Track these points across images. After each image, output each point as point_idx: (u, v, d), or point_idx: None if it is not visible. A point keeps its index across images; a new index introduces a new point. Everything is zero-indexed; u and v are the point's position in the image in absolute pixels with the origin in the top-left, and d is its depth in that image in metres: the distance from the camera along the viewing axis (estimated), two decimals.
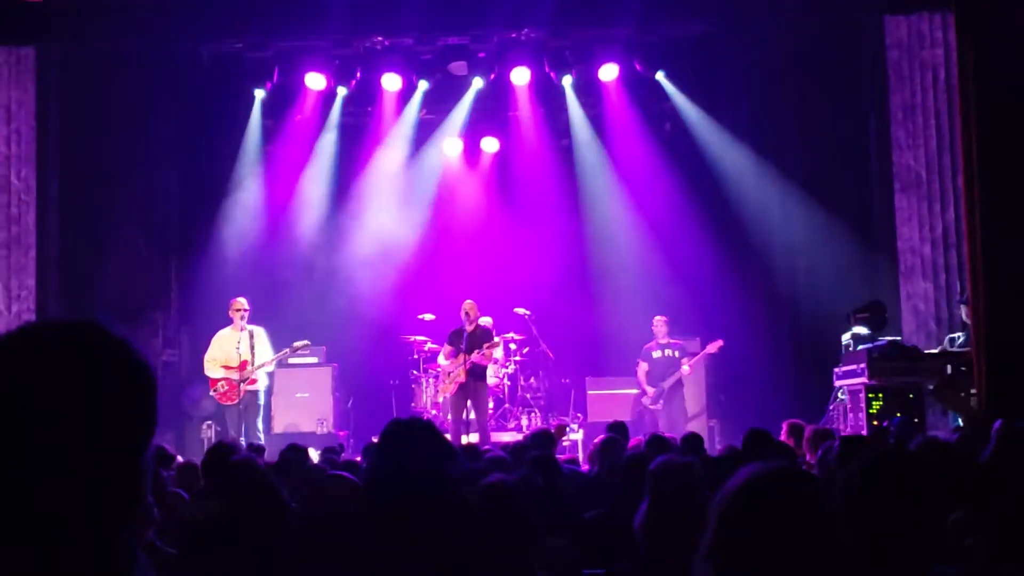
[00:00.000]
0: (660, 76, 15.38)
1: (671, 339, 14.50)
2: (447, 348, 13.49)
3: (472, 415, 13.08)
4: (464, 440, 12.39)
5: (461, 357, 12.99)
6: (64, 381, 1.54)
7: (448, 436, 9.95)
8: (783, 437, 9.12)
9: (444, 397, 13.82)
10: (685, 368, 14.31)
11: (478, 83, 15.62)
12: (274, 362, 13.02)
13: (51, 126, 14.14)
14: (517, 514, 3.67)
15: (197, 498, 6.16)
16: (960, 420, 11.13)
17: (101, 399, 1.55)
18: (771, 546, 2.11)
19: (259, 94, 15.56)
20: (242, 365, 12.62)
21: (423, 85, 15.69)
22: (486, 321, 14.00)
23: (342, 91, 15.80)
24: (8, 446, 1.51)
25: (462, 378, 12.97)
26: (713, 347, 14.23)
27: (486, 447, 10.03)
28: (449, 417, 13.40)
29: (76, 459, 1.52)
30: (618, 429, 8.90)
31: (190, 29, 14.10)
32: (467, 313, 13.16)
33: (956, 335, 12.27)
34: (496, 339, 13.49)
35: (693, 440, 8.40)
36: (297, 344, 13.15)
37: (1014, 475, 3.89)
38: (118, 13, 13.09)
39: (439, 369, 13.67)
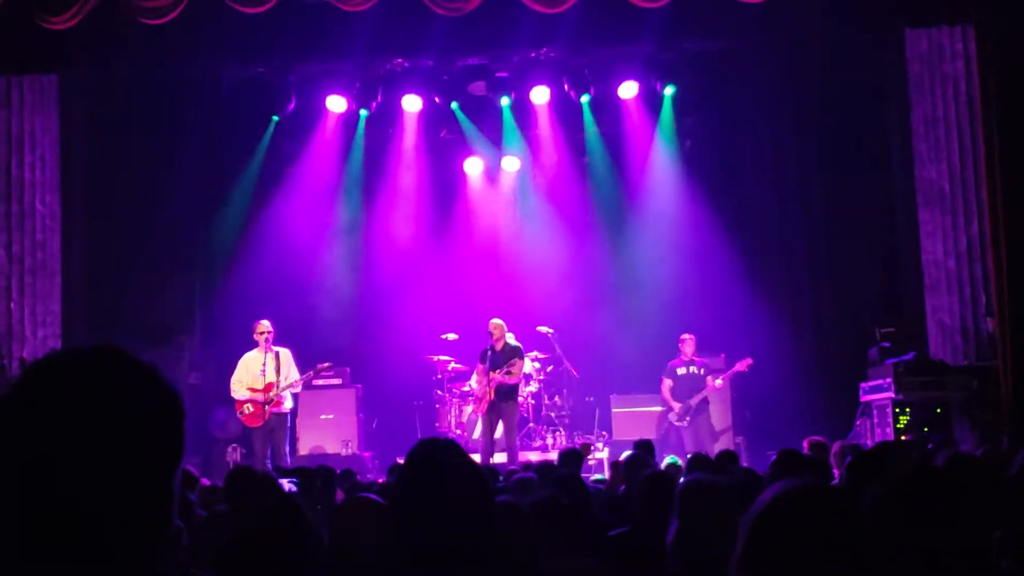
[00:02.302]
0: (668, 92, 15.40)
1: (696, 356, 14.43)
2: (479, 367, 13.52)
3: (499, 434, 13.09)
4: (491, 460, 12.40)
5: (493, 373, 13.02)
6: (92, 409, 1.54)
7: (475, 456, 9.95)
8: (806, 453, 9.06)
9: (470, 416, 13.79)
10: (717, 383, 14.24)
11: (505, 102, 15.71)
12: (299, 384, 13.04)
13: (75, 152, 14.23)
14: (528, 535, 3.67)
15: (217, 520, 6.18)
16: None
17: (130, 427, 1.56)
18: (800, 563, 2.11)
19: (275, 119, 15.65)
20: (267, 387, 12.64)
21: (454, 106, 15.78)
22: (511, 338, 14.07)
23: (363, 113, 15.92)
24: (36, 475, 1.52)
25: (491, 396, 12.98)
26: (743, 365, 14.12)
27: (512, 467, 10.02)
28: (475, 437, 13.39)
29: (105, 486, 1.53)
30: (644, 447, 8.89)
31: (213, 54, 14.22)
32: (491, 332, 13.19)
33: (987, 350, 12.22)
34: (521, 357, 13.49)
35: (727, 458, 8.38)
36: (320, 366, 13.21)
37: None
38: (141, 40, 13.17)
39: (470, 388, 13.67)
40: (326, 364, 13.30)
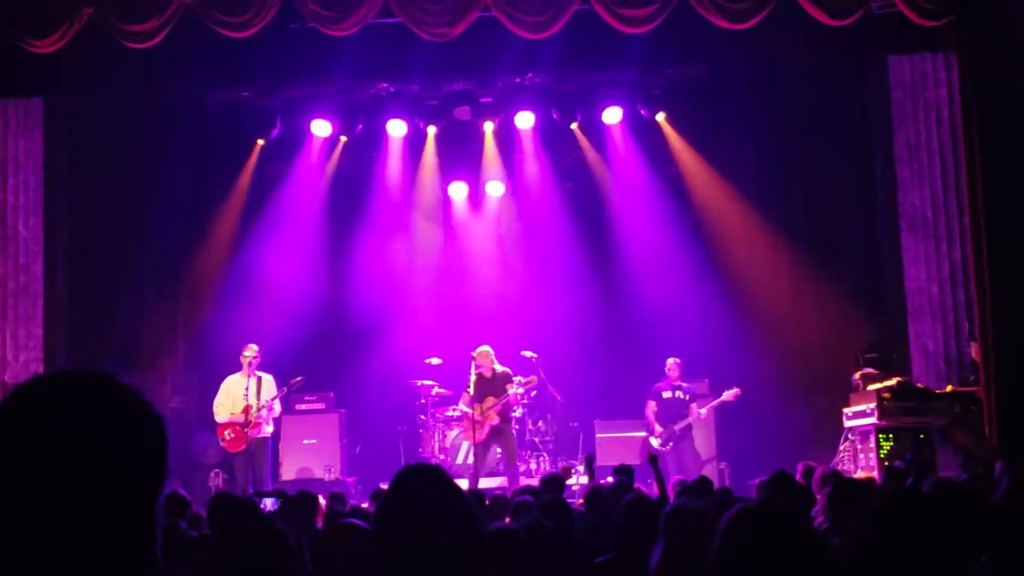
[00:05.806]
0: (660, 118, 15.48)
1: (681, 381, 14.41)
2: (466, 396, 13.50)
3: (497, 456, 13.17)
4: (490, 484, 12.44)
5: (490, 400, 13.02)
6: (76, 433, 1.53)
7: (460, 481, 9.86)
8: (799, 479, 9.06)
9: (453, 441, 13.76)
10: (702, 412, 14.21)
11: (490, 127, 15.76)
12: (275, 401, 12.96)
13: (59, 176, 14.19)
14: (523, 561, 3.66)
15: (200, 546, 6.13)
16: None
17: (113, 451, 1.54)
18: None
19: (260, 143, 15.64)
20: (246, 410, 12.64)
21: (431, 130, 15.80)
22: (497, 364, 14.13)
23: (347, 138, 15.92)
24: (18, 500, 1.50)
25: (495, 421, 13.01)
26: (730, 395, 14.07)
27: (515, 489, 10.03)
28: (459, 461, 13.37)
29: (89, 512, 1.51)
30: (624, 472, 8.88)
31: (198, 78, 14.23)
32: (479, 360, 13.23)
33: (970, 376, 12.25)
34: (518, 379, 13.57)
35: (702, 483, 8.37)
36: (293, 381, 13.16)
37: None
38: (126, 63, 13.16)
39: (461, 413, 13.63)
40: (298, 379, 13.23)
